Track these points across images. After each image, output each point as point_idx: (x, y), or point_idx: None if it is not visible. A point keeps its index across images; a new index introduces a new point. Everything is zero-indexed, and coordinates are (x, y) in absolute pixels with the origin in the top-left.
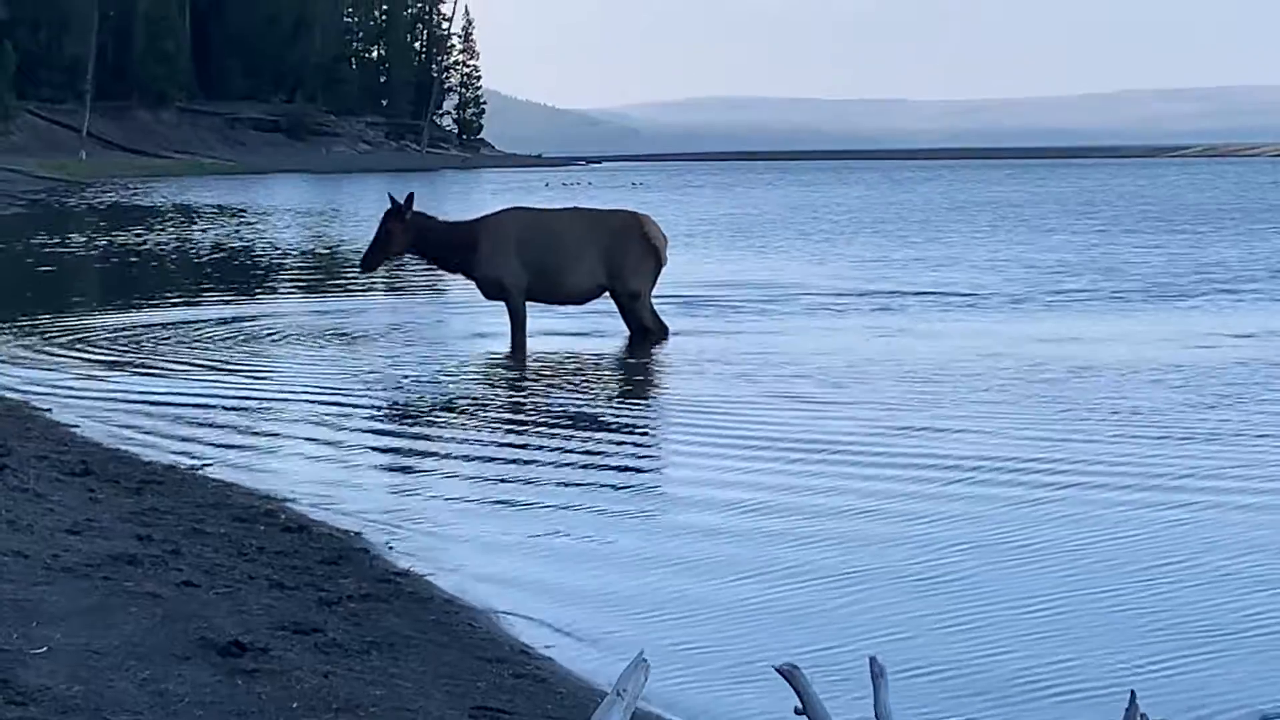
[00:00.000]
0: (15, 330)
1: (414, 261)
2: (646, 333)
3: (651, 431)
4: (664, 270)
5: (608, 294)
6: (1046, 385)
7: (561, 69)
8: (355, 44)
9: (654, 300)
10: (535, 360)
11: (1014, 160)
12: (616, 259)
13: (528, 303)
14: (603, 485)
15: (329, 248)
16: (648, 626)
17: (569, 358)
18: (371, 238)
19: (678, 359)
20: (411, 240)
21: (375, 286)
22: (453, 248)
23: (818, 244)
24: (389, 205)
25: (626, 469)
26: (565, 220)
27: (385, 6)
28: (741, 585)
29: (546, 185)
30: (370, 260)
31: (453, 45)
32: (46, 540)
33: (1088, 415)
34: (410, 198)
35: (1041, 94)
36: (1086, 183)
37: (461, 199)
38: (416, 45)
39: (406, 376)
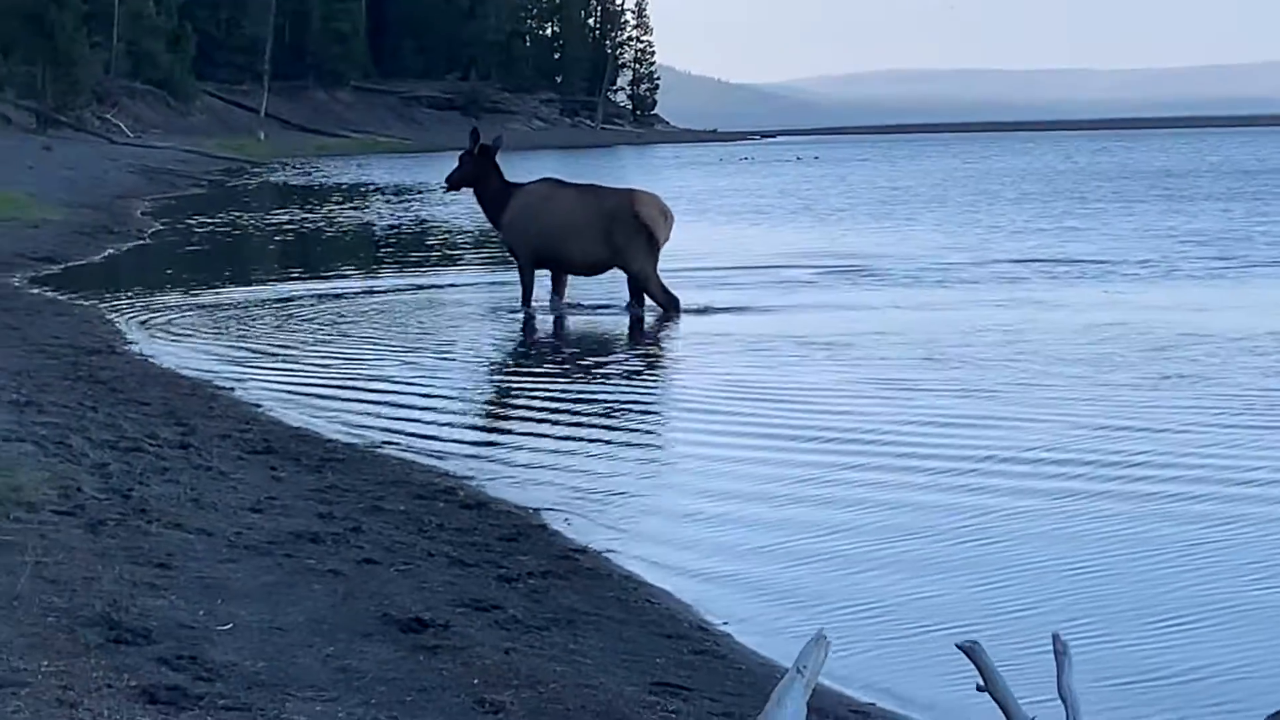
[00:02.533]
0: (197, 308)
1: None
2: (662, 305)
3: (818, 413)
4: (667, 244)
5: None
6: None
7: (734, 43)
8: (529, 21)
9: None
10: (689, 339)
11: (1197, 129)
12: (611, 237)
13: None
14: (777, 467)
15: None
16: (825, 604)
17: (723, 335)
18: None
19: (812, 336)
20: (473, 178)
21: None
22: (493, 202)
23: (963, 214)
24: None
25: (802, 448)
26: (573, 196)
27: None
28: (921, 565)
29: (720, 160)
30: (449, 178)
31: (626, 21)
32: (230, 518)
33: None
34: (475, 132)
35: (1233, 60)
36: (1260, 150)
37: (635, 174)
38: (590, 22)
39: (582, 352)
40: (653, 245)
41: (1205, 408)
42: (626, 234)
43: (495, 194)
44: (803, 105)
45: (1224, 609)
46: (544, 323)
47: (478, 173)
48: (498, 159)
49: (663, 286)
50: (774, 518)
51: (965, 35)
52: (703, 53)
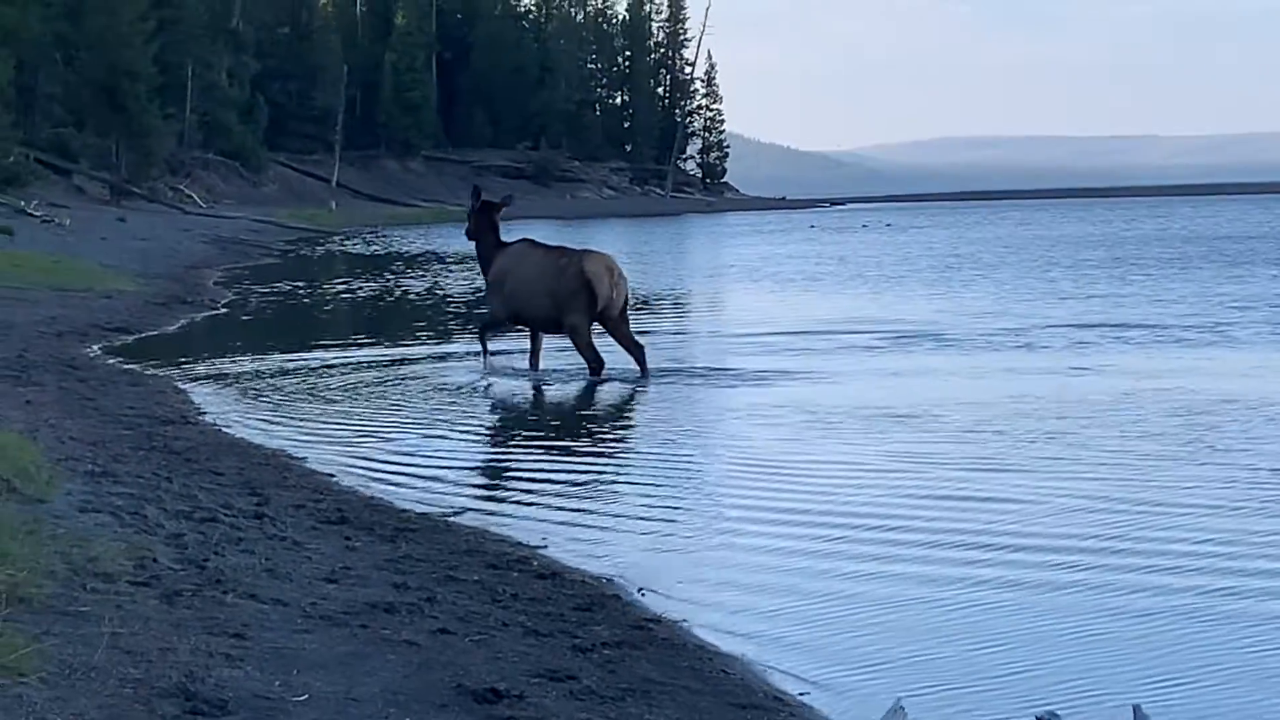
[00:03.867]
0: (269, 376)
1: (659, 299)
2: (589, 362)
3: (880, 485)
4: (614, 304)
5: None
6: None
7: (803, 111)
8: (599, 90)
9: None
10: (746, 409)
11: (1263, 195)
12: (557, 294)
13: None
14: (849, 535)
15: None
16: (901, 674)
17: (782, 406)
18: None
19: (857, 406)
20: (472, 232)
21: None
22: (484, 259)
23: (1020, 279)
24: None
25: (872, 519)
26: (537, 255)
27: (629, 53)
28: (991, 636)
29: (787, 227)
30: (467, 231)
31: (696, 90)
32: (305, 588)
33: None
34: (476, 190)
35: None
36: None
37: (698, 242)
38: (660, 90)
39: (642, 420)
40: (592, 302)
41: (1250, 480)
42: (570, 289)
43: (488, 251)
44: (871, 172)
45: None
46: (608, 392)
47: (475, 229)
48: (498, 219)
49: (592, 346)
50: (845, 588)
51: (1031, 102)
52: (772, 120)
